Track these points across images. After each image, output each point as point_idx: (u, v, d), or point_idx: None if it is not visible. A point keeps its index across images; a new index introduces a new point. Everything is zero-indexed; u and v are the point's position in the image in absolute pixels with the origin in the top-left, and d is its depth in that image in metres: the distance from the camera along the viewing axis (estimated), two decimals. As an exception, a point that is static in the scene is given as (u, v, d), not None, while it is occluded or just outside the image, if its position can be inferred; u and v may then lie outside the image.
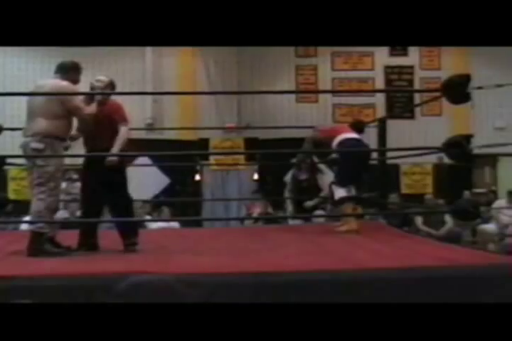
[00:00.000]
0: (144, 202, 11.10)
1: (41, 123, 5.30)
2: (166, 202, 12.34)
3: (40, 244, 5.22)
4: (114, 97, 5.93)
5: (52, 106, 5.33)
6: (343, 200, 6.90)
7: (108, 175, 5.57)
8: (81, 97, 5.60)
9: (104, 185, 5.65)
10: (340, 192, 6.90)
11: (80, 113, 5.46)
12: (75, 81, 5.59)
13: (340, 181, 6.98)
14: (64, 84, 5.42)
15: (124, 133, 5.69)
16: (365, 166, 7.08)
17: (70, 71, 5.56)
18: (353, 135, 7.13)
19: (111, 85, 5.92)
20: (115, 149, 5.59)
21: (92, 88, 5.83)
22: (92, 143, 5.79)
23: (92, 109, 5.52)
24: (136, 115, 13.63)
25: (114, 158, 5.58)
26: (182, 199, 12.78)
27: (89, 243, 5.64)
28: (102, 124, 5.62)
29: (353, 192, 7.03)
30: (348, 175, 6.98)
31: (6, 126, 7.49)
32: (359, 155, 6.96)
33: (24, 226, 8.71)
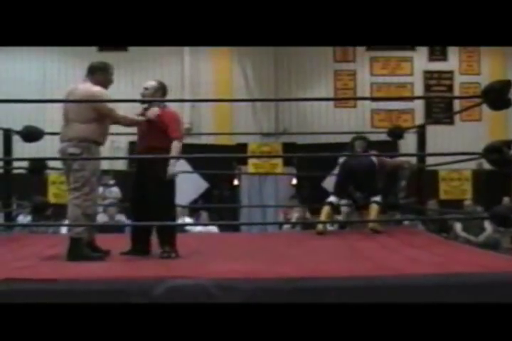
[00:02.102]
0: (183, 207, 11.15)
1: (76, 128, 5.32)
2: (204, 207, 12.40)
3: (79, 250, 5.25)
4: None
5: (85, 111, 5.33)
6: (326, 204, 7.81)
7: (157, 183, 5.54)
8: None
9: (151, 193, 5.60)
10: (330, 198, 7.88)
11: (114, 115, 5.45)
12: (106, 81, 5.56)
13: (333, 190, 8.07)
14: (94, 91, 5.40)
15: (176, 148, 5.60)
16: (354, 178, 7.76)
17: (97, 72, 5.53)
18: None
19: (162, 90, 5.82)
20: (171, 166, 5.56)
21: (143, 97, 5.78)
22: (142, 144, 5.75)
23: (137, 118, 5.58)
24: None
25: (173, 172, 5.60)
26: (218, 206, 12.81)
27: (142, 248, 5.61)
28: (156, 132, 5.58)
29: (339, 200, 7.91)
30: (337, 186, 8.01)
31: (46, 130, 7.55)
32: (344, 170, 7.88)
33: (64, 230, 8.82)
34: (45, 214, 9.45)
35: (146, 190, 5.61)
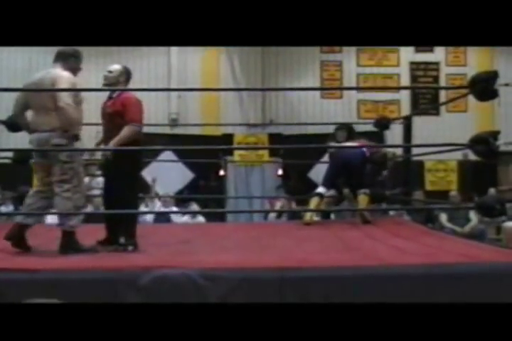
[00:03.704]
0: (170, 197, 11.14)
1: (58, 117, 5.09)
2: (190, 197, 12.40)
3: (72, 243, 5.17)
4: (134, 93, 5.64)
5: (64, 98, 5.04)
6: (314, 195, 7.80)
7: (120, 171, 5.39)
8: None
9: (116, 180, 5.46)
10: (318, 189, 7.85)
11: (61, 104, 5.06)
12: (77, 68, 5.38)
13: (322, 181, 8.02)
14: (65, 74, 5.16)
15: (126, 133, 5.32)
16: (344, 169, 7.77)
17: (70, 58, 5.31)
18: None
19: (125, 74, 5.67)
20: (109, 146, 5.34)
21: (105, 79, 5.59)
22: (105, 136, 5.59)
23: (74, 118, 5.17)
24: (162, 110, 13.71)
25: (109, 153, 5.34)
26: (205, 197, 12.79)
27: (113, 239, 5.50)
28: (114, 117, 5.42)
29: (328, 191, 7.97)
30: (326, 177, 7.97)
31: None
32: (335, 161, 7.91)
33: (50, 220, 8.77)
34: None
35: (111, 182, 5.55)
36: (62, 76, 5.16)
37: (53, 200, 5.26)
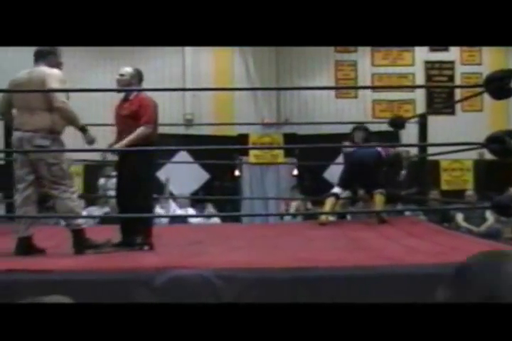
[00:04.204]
0: (185, 198, 11.17)
1: (41, 118, 5.09)
2: (206, 198, 12.41)
3: (83, 240, 5.19)
4: (150, 93, 5.74)
5: (49, 97, 5.06)
6: (330, 195, 7.79)
7: (135, 172, 5.42)
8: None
9: (128, 181, 5.48)
10: (334, 189, 7.89)
11: (59, 104, 5.09)
12: (58, 64, 5.37)
13: (338, 181, 8.09)
14: (54, 71, 5.18)
15: (140, 133, 5.40)
16: (360, 170, 7.70)
17: (49, 55, 5.30)
18: None
19: (138, 76, 5.70)
20: (121, 145, 5.40)
21: (118, 83, 5.63)
22: (119, 138, 5.59)
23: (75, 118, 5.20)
24: (177, 110, 13.72)
25: (121, 145, 5.37)
26: (220, 198, 12.78)
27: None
28: (128, 119, 5.46)
29: (343, 192, 8.03)
30: (342, 177, 7.99)
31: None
32: (351, 161, 7.90)
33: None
34: (46, 206, 9.43)
35: (125, 183, 5.55)
36: (51, 74, 5.17)
37: (55, 203, 5.26)
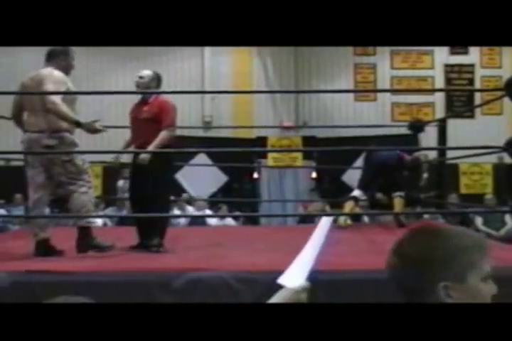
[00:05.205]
0: (203, 200, 11.19)
1: (46, 119, 5.12)
2: (224, 200, 12.42)
3: (90, 239, 5.19)
4: (168, 96, 5.74)
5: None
6: (349, 198, 7.83)
7: (153, 174, 5.39)
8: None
9: (145, 184, 5.45)
10: (354, 192, 7.88)
11: (49, 106, 5.06)
12: (68, 66, 5.37)
13: (358, 184, 8.07)
14: (57, 74, 5.18)
15: (163, 137, 5.40)
16: (379, 173, 7.75)
17: (60, 56, 5.29)
18: None
19: (157, 79, 5.69)
20: (144, 154, 5.36)
21: (137, 86, 5.64)
22: (137, 141, 5.59)
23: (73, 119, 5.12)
24: (196, 113, 13.77)
25: (146, 156, 5.34)
26: (238, 200, 12.79)
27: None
28: (148, 122, 5.45)
29: (363, 195, 7.95)
30: (362, 180, 8.00)
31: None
32: (371, 163, 7.95)
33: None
34: (65, 207, 9.47)
35: (141, 186, 5.50)
36: (48, 75, 5.17)
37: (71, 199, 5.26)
